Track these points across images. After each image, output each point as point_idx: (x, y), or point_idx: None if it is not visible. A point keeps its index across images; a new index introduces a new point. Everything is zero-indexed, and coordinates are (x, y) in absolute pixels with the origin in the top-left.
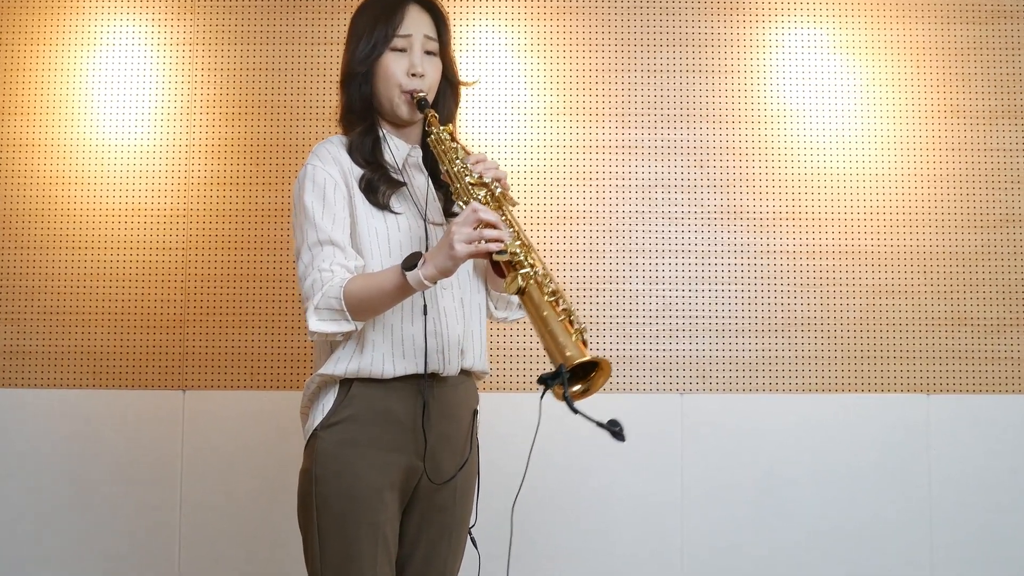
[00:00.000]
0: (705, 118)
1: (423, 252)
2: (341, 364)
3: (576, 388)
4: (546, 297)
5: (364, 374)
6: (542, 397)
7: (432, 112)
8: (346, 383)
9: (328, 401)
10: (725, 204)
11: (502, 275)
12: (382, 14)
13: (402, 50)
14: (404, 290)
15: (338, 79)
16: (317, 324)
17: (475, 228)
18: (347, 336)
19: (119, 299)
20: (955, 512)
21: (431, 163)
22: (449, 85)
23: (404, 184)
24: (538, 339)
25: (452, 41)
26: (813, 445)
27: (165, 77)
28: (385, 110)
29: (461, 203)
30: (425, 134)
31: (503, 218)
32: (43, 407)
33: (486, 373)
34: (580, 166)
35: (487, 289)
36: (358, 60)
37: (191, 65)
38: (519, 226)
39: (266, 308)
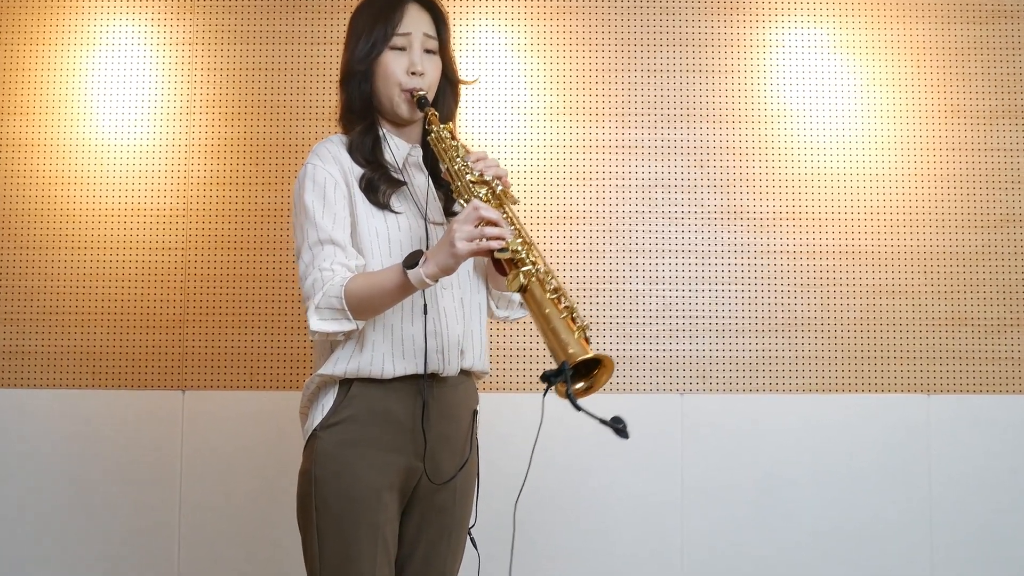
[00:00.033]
0: (705, 118)
1: (424, 250)
2: (340, 364)
3: (579, 386)
4: (548, 295)
5: (364, 374)
6: (545, 394)
7: (432, 110)
8: (346, 383)
9: (328, 401)
10: (725, 204)
11: (504, 273)
12: (381, 13)
13: (401, 48)
14: (405, 289)
15: (338, 78)
16: (318, 323)
17: (476, 226)
18: (348, 336)
19: (118, 299)
20: (955, 512)
21: (431, 162)
22: (449, 84)
23: (404, 183)
24: (539, 338)
25: (452, 40)
26: (813, 445)
27: (165, 77)
28: (385, 109)
29: (462, 201)
30: (425, 132)
31: (504, 216)
32: (42, 407)
33: (486, 373)
34: (580, 166)
35: (488, 288)
36: (358, 59)
37: (191, 65)
38: (520, 224)
39: (266, 308)
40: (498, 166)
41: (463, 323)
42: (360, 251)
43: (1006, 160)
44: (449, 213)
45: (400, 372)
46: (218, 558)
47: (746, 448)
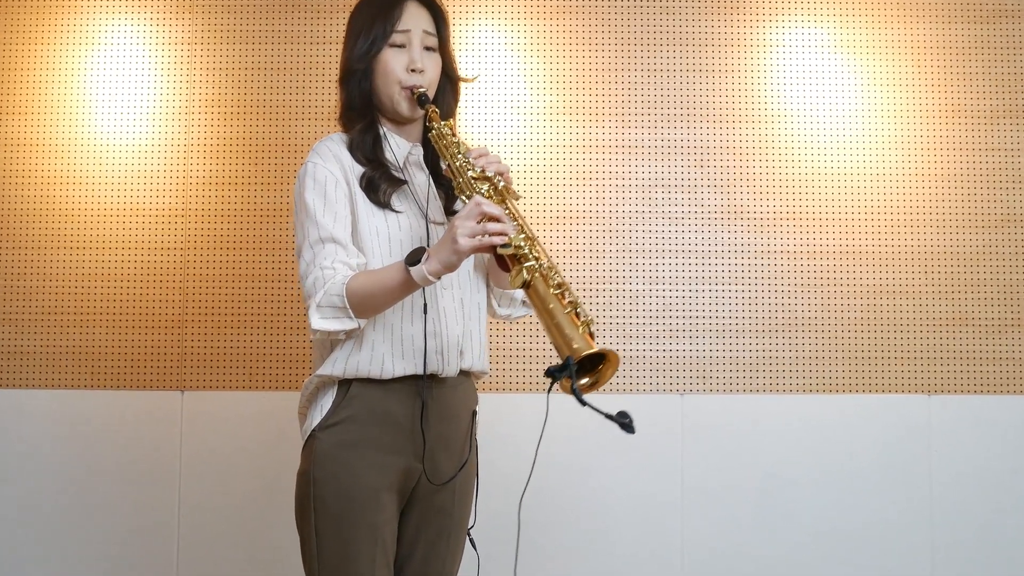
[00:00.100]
0: (705, 118)
1: (426, 247)
2: (339, 364)
3: (584, 381)
4: (552, 290)
5: (363, 374)
6: (549, 390)
7: (433, 107)
8: (344, 384)
9: (326, 402)
10: (725, 204)
11: (506, 269)
12: (381, 10)
13: (401, 46)
14: (408, 286)
15: (337, 77)
16: (319, 322)
17: (479, 222)
18: (349, 334)
19: (117, 299)
20: (956, 513)
21: (432, 161)
22: (449, 81)
23: (405, 182)
24: (538, 338)
25: (451, 37)
26: (814, 446)
27: (163, 77)
28: (385, 107)
29: (464, 198)
30: (426, 129)
31: (506, 211)
32: (41, 408)
33: (485, 373)
34: (580, 166)
35: (489, 286)
36: (357, 57)
37: (189, 65)
38: (523, 219)
39: (265, 308)
40: (500, 162)
41: (463, 323)
42: (361, 250)
43: (1007, 160)
44: (450, 212)
45: (399, 372)
46: (217, 558)
47: (746, 448)
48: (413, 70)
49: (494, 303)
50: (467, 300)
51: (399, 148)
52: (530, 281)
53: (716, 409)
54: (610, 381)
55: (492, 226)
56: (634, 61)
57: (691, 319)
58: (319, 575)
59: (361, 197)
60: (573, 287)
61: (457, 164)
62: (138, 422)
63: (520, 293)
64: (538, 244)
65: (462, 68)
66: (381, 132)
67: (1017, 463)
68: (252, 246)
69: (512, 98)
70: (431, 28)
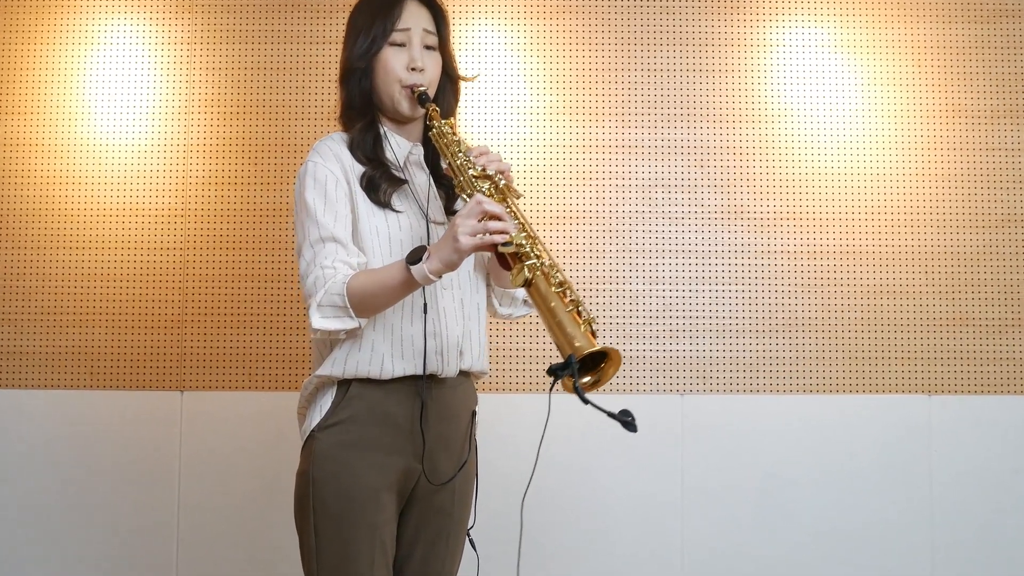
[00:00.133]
0: (705, 117)
1: (427, 246)
2: (339, 365)
3: (586, 380)
4: (553, 288)
5: (362, 375)
6: (551, 389)
7: (434, 106)
8: (344, 384)
9: (326, 402)
10: (725, 204)
11: (508, 268)
12: (381, 9)
13: (401, 44)
14: (409, 285)
15: (337, 76)
16: (320, 321)
17: (480, 220)
18: (350, 334)
19: (117, 299)
20: (957, 513)
21: (432, 161)
22: (449, 80)
23: (405, 181)
24: (538, 338)
25: (451, 36)
26: (814, 446)
27: (163, 76)
28: (385, 106)
29: (465, 196)
30: (427, 128)
31: (508, 210)
32: (40, 408)
33: (485, 373)
34: (580, 165)
35: (491, 286)
36: (357, 56)
37: (189, 64)
38: (524, 218)
39: (264, 309)
40: (500, 160)
41: (462, 324)
42: (361, 250)
43: (1007, 160)
44: (450, 212)
45: (399, 373)
46: (216, 558)
47: (746, 448)
48: (413, 69)
49: (495, 303)
50: (467, 300)
51: (399, 148)
52: (531, 279)
53: (716, 409)
54: (610, 381)
55: (493, 224)
56: (634, 61)
57: (691, 319)
58: (318, 575)
59: (361, 196)
60: (573, 286)
61: (458, 163)
62: (138, 422)
63: (522, 292)
64: (539, 242)
65: (462, 68)
66: (381, 131)
67: (1017, 463)
68: (252, 246)
69: (512, 98)
70: (431, 27)
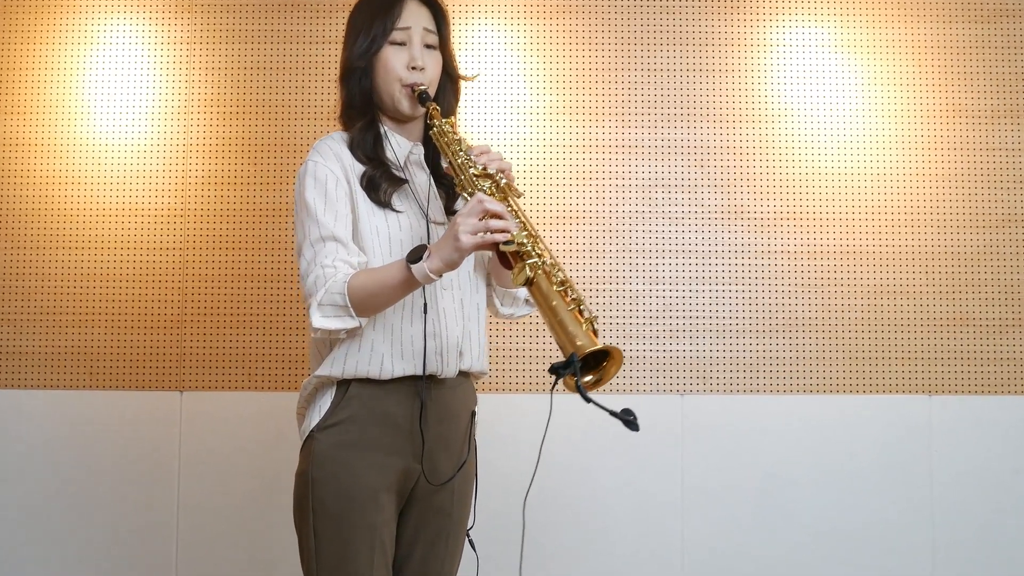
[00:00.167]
0: (706, 117)
1: (427, 245)
2: (338, 365)
3: (588, 378)
4: (555, 287)
5: (362, 375)
6: (553, 387)
7: (434, 105)
8: (343, 384)
9: (325, 402)
10: (725, 204)
11: (509, 267)
12: (381, 8)
13: (401, 43)
14: (409, 284)
15: (337, 76)
16: (321, 321)
17: (481, 219)
18: (350, 333)
19: (116, 299)
20: (957, 513)
21: (432, 161)
22: (449, 79)
23: (406, 181)
24: (537, 339)
25: (451, 35)
26: (814, 446)
27: (162, 76)
28: (386, 105)
29: (466, 195)
30: (427, 127)
31: (509, 209)
32: (39, 408)
33: (485, 374)
34: (580, 165)
35: (491, 286)
36: (357, 55)
37: (188, 64)
38: (525, 216)
39: (264, 309)
40: (502, 159)
41: (462, 324)
42: (361, 249)
43: (1008, 160)
44: (450, 212)
45: (399, 373)
46: (216, 558)
47: (747, 449)
48: (414, 68)
49: (497, 303)
50: (467, 301)
51: (400, 147)
52: (533, 278)
53: (716, 409)
54: (610, 381)
55: (495, 223)
56: (634, 61)
57: (691, 319)
58: (317, 575)
59: (362, 196)
60: (575, 285)
61: (459, 161)
62: (137, 422)
63: (523, 292)
64: (541, 241)
65: (462, 68)
66: (382, 131)
67: (1018, 463)
68: (251, 246)
69: (512, 98)
70: (431, 26)
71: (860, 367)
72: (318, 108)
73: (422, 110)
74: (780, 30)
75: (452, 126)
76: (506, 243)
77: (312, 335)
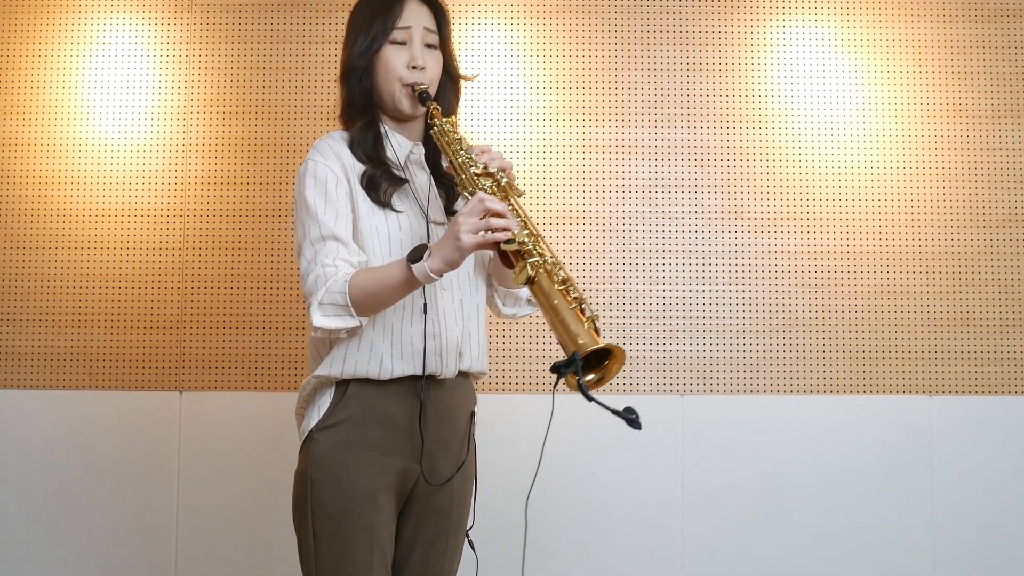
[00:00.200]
0: (706, 117)
1: (428, 244)
2: (337, 365)
3: (590, 377)
4: (556, 286)
5: (361, 375)
6: (555, 386)
7: (435, 104)
8: (342, 384)
9: (324, 403)
10: (726, 204)
11: (510, 266)
12: (381, 7)
13: (402, 43)
14: (410, 283)
15: (337, 75)
16: (321, 320)
17: (482, 218)
18: (351, 333)
19: (116, 300)
20: (958, 514)
21: (433, 160)
22: (450, 79)
23: (406, 181)
24: (537, 339)
25: (452, 35)
26: (814, 446)
27: (161, 76)
28: (386, 104)
29: (467, 194)
30: (428, 127)
31: (510, 207)
32: (39, 408)
33: (484, 374)
34: (580, 165)
35: (492, 286)
36: (357, 54)
37: (188, 64)
38: (527, 215)
39: (264, 309)
40: (502, 158)
41: (462, 325)
42: (361, 249)
43: (1009, 160)
44: (450, 212)
45: (398, 373)
46: (215, 559)
47: (747, 449)
48: (414, 67)
49: (499, 303)
50: (466, 301)
51: (400, 147)
52: (534, 277)
53: (716, 410)
54: (610, 382)
55: (496, 221)
56: (634, 61)
57: (691, 319)
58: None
59: (362, 196)
60: (576, 284)
61: (460, 161)
62: (136, 423)
63: (525, 292)
64: (542, 240)
65: (462, 68)
66: (382, 130)
67: (1018, 463)
68: (251, 246)
69: (512, 98)
70: (432, 25)
71: (860, 367)
72: (318, 108)
73: (422, 110)
74: (780, 30)
75: (453, 125)
76: (507, 242)
77: (312, 334)
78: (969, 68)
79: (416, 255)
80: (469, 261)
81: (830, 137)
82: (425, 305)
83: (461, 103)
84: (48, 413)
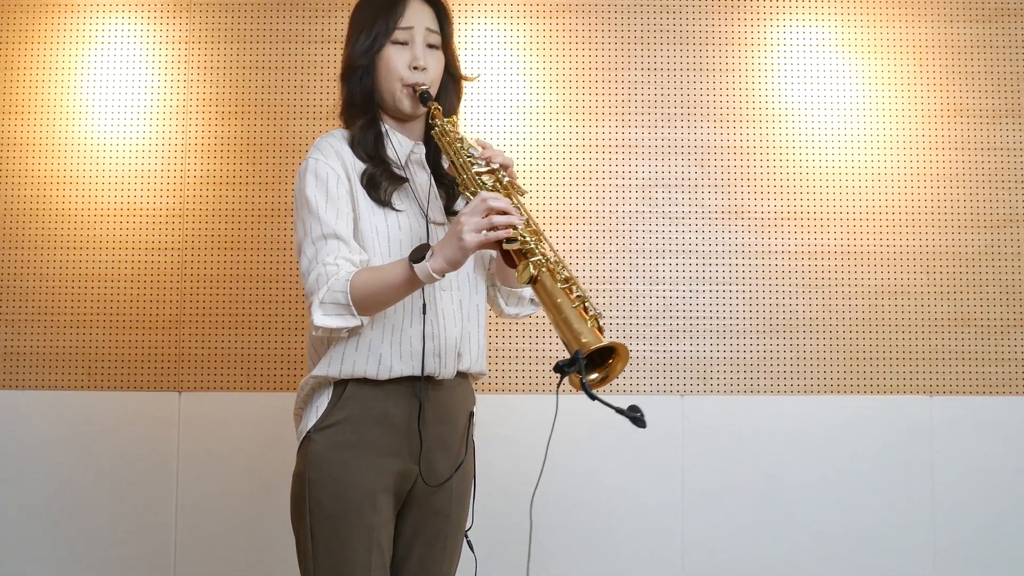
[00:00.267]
0: (706, 117)
1: (430, 244)
2: (335, 365)
3: (594, 376)
4: (559, 284)
5: (359, 375)
6: (559, 386)
7: (436, 104)
8: (340, 385)
9: (322, 403)
10: (726, 204)
11: (513, 265)
12: (383, 7)
13: (403, 43)
14: (412, 283)
15: (337, 75)
16: (323, 319)
17: (484, 217)
18: (352, 332)
19: (115, 300)
20: (958, 514)
21: (433, 160)
22: (451, 79)
23: (406, 180)
24: (536, 338)
25: (454, 35)
26: (815, 447)
27: (161, 76)
28: (387, 104)
29: (468, 194)
30: (429, 127)
31: (512, 206)
32: (38, 409)
33: (483, 374)
34: (580, 165)
35: (496, 286)
36: (359, 53)
37: (187, 63)
38: (529, 214)
39: (263, 309)
40: (503, 155)
41: (461, 325)
42: (362, 248)
43: (1009, 160)
44: (450, 212)
45: (397, 374)
46: (215, 559)
47: (747, 450)
48: (415, 67)
49: (501, 302)
50: (466, 302)
51: (401, 146)
52: (537, 276)
53: (716, 410)
54: (610, 383)
55: (499, 219)
56: (634, 60)
57: (691, 319)
58: None
59: (362, 195)
60: (579, 282)
61: (461, 160)
62: (135, 423)
63: (528, 291)
64: (544, 239)
65: (461, 68)
66: (383, 129)
67: (1019, 464)
68: (250, 246)
69: (512, 98)
70: (434, 26)
71: (861, 367)
72: (316, 107)
73: (423, 109)
74: (780, 30)
75: (454, 126)
76: (509, 241)
77: (313, 333)
78: (969, 68)
79: (418, 255)
80: (469, 261)
81: (830, 137)
82: (424, 305)
83: (461, 103)
84: (47, 413)
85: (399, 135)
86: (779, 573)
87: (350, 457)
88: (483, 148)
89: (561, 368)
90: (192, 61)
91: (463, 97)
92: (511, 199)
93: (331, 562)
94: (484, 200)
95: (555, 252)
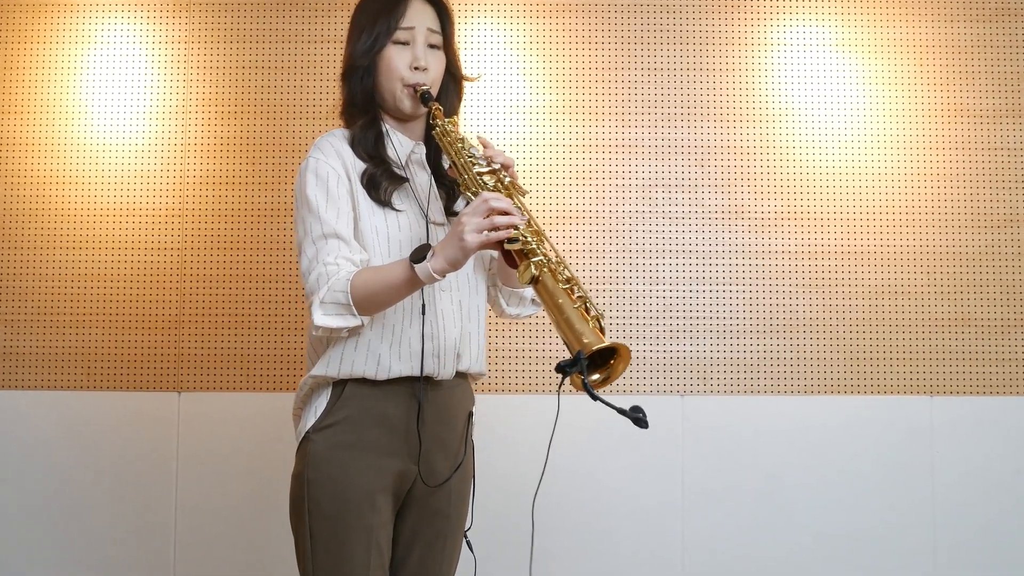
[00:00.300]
0: (706, 117)
1: (430, 244)
2: (334, 365)
3: (595, 377)
4: (561, 285)
5: (358, 375)
6: (560, 386)
7: (437, 104)
8: (339, 385)
9: (321, 403)
10: (726, 204)
11: (514, 265)
12: (385, 7)
13: (405, 43)
14: (413, 283)
15: (337, 75)
16: (323, 319)
17: (485, 217)
18: (352, 332)
19: (114, 300)
20: (958, 514)
21: (434, 161)
22: (453, 79)
23: (407, 180)
24: (536, 338)
25: (456, 35)
26: (815, 447)
27: (160, 75)
28: (388, 104)
29: (470, 194)
30: (430, 127)
31: (513, 206)
32: (38, 409)
33: (483, 375)
34: (580, 165)
35: (497, 286)
36: (360, 53)
37: (186, 63)
38: (530, 214)
39: (262, 309)
40: (505, 155)
41: (460, 326)
42: (362, 247)
43: (1010, 159)
44: (450, 213)
45: (395, 374)
46: (214, 559)
47: (747, 450)
48: (416, 68)
49: (503, 303)
50: (465, 302)
51: (401, 146)
52: (538, 276)
53: (717, 410)
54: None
55: (500, 219)
56: (634, 60)
57: (691, 320)
58: None
59: (362, 194)
60: (581, 282)
61: (462, 160)
62: (135, 423)
63: (530, 292)
64: (546, 239)
65: (462, 68)
66: (383, 129)
67: (1019, 464)
68: (249, 246)
69: (512, 98)
70: (435, 26)
71: (861, 368)
72: (316, 107)
73: (424, 110)
74: (780, 29)
75: (455, 126)
76: (511, 241)
77: (313, 333)
78: (969, 67)
79: (419, 255)
80: (469, 262)
81: (830, 137)
82: (424, 306)
83: (462, 103)
84: (47, 414)
85: (400, 135)
86: (779, 574)
87: (349, 457)
88: (484, 147)
89: (563, 368)
90: (192, 61)
91: (464, 97)
92: (512, 199)
93: (330, 562)
94: (486, 200)
95: (556, 252)
